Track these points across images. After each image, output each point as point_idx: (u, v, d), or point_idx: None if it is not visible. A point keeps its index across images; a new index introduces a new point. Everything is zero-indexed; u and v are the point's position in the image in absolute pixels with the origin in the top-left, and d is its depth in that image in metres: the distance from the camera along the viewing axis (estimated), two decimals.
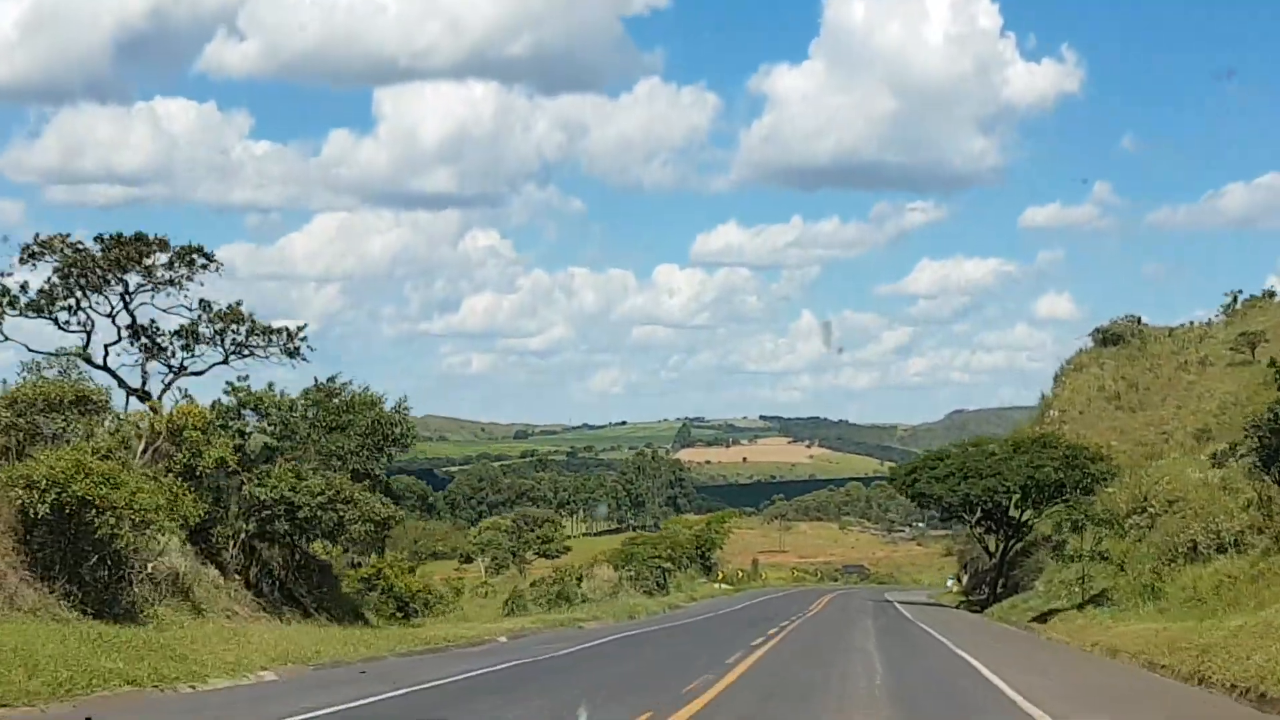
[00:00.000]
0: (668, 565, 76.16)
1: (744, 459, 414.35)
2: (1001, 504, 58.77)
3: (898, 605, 64.30)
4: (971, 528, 63.63)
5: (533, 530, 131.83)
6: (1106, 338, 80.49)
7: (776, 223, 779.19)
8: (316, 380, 40.18)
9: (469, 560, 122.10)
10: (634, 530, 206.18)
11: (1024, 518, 59.04)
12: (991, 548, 63.96)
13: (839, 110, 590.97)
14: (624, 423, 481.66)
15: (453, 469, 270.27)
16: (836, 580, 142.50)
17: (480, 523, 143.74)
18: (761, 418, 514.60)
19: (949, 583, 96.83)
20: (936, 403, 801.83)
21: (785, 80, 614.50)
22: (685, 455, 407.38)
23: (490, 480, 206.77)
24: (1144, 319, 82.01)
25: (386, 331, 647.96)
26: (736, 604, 66.76)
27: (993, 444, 62.99)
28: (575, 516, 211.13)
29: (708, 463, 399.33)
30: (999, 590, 60.79)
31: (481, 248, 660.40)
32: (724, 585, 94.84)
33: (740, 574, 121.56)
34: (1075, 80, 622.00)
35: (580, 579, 62.97)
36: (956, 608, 65.42)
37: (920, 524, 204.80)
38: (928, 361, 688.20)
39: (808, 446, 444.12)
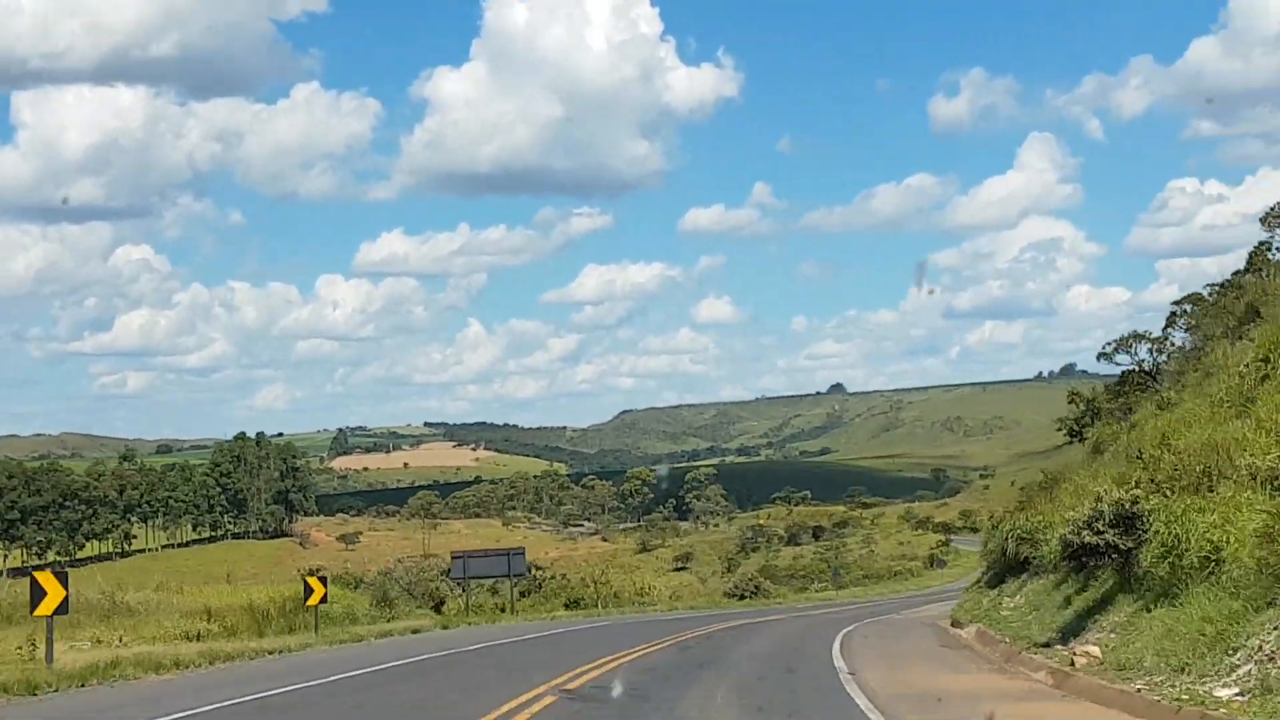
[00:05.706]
0: None
1: (405, 464, 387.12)
2: None
3: None
4: None
5: None
6: None
7: (443, 230, 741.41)
8: None
9: None
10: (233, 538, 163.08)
11: None
12: None
13: (502, 115, 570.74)
14: (281, 434, 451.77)
15: None
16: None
17: None
18: (426, 424, 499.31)
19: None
20: (605, 405, 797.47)
21: (447, 84, 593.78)
22: (342, 463, 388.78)
23: (25, 480, 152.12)
24: None
25: (34, 352, 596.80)
26: None
27: None
28: (151, 524, 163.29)
29: (365, 469, 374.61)
30: None
31: (134, 262, 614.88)
32: None
33: None
34: (734, 84, 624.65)
35: None
36: None
37: (604, 515, 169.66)
38: (595, 368, 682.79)
39: (473, 450, 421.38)
